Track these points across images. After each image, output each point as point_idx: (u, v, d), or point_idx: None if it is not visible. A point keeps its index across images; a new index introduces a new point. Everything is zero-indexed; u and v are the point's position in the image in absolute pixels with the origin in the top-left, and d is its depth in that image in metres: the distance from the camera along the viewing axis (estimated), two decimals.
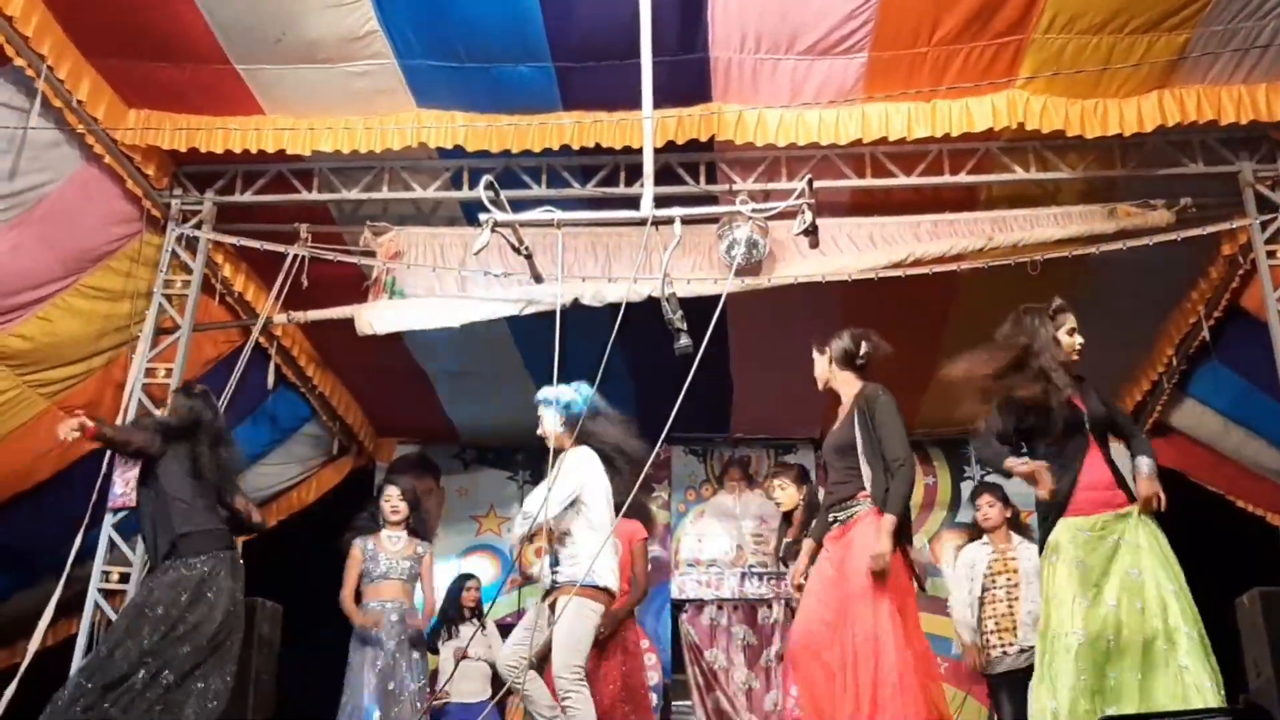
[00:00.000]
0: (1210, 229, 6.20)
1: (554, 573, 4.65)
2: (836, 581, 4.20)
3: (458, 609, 6.72)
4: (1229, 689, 3.88)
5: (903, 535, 4.15)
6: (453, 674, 6.15)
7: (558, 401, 4.80)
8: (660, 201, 4.46)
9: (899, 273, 6.30)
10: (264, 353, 7.08)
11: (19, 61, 5.16)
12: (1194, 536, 4.68)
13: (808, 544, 4.65)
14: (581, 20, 5.35)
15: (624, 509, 4.59)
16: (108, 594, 5.74)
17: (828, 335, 4.53)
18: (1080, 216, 6.31)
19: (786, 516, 5.97)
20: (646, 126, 4.67)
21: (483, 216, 4.26)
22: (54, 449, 6.37)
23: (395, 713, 5.62)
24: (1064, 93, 5.75)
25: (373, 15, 5.33)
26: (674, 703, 8.55)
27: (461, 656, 6.25)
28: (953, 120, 5.82)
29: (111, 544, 5.78)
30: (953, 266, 6.32)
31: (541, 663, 4.72)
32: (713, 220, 6.23)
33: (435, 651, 6.52)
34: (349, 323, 6.54)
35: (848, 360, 4.48)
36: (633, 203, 4.52)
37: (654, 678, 8.66)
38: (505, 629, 7.37)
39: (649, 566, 6.40)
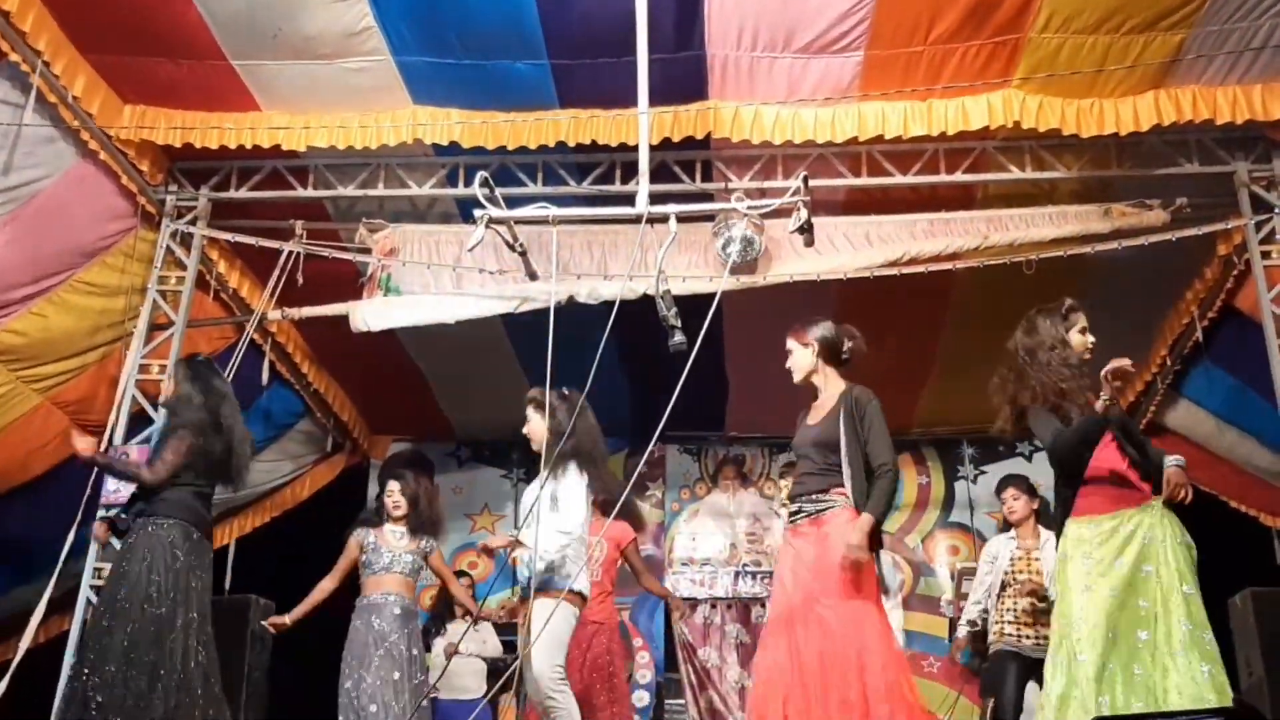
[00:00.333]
0: (1205, 229, 6.22)
1: (528, 578, 4.62)
2: (808, 583, 4.12)
3: (449, 606, 6.71)
4: None
5: (876, 541, 4.12)
6: (444, 670, 6.13)
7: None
8: (656, 199, 4.46)
9: (895, 271, 6.31)
10: (258, 349, 7.07)
11: (14, 57, 5.14)
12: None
13: None
14: (578, 17, 5.35)
15: (614, 512, 4.56)
16: (100, 590, 5.69)
17: (805, 326, 4.46)
18: (1076, 216, 6.31)
19: None
20: (642, 123, 4.64)
21: (478, 213, 4.25)
22: (48, 444, 6.37)
23: (399, 705, 5.58)
24: (1060, 92, 5.76)
25: (369, 11, 5.33)
26: (667, 701, 8.53)
27: (453, 652, 6.23)
28: (949, 119, 5.83)
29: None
30: (948, 265, 6.32)
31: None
32: (708, 218, 6.23)
33: (427, 649, 6.50)
34: (344, 319, 6.53)
35: (833, 356, 4.46)
36: (628, 200, 4.51)
37: (647, 676, 8.67)
38: (499, 627, 7.42)
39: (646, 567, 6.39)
